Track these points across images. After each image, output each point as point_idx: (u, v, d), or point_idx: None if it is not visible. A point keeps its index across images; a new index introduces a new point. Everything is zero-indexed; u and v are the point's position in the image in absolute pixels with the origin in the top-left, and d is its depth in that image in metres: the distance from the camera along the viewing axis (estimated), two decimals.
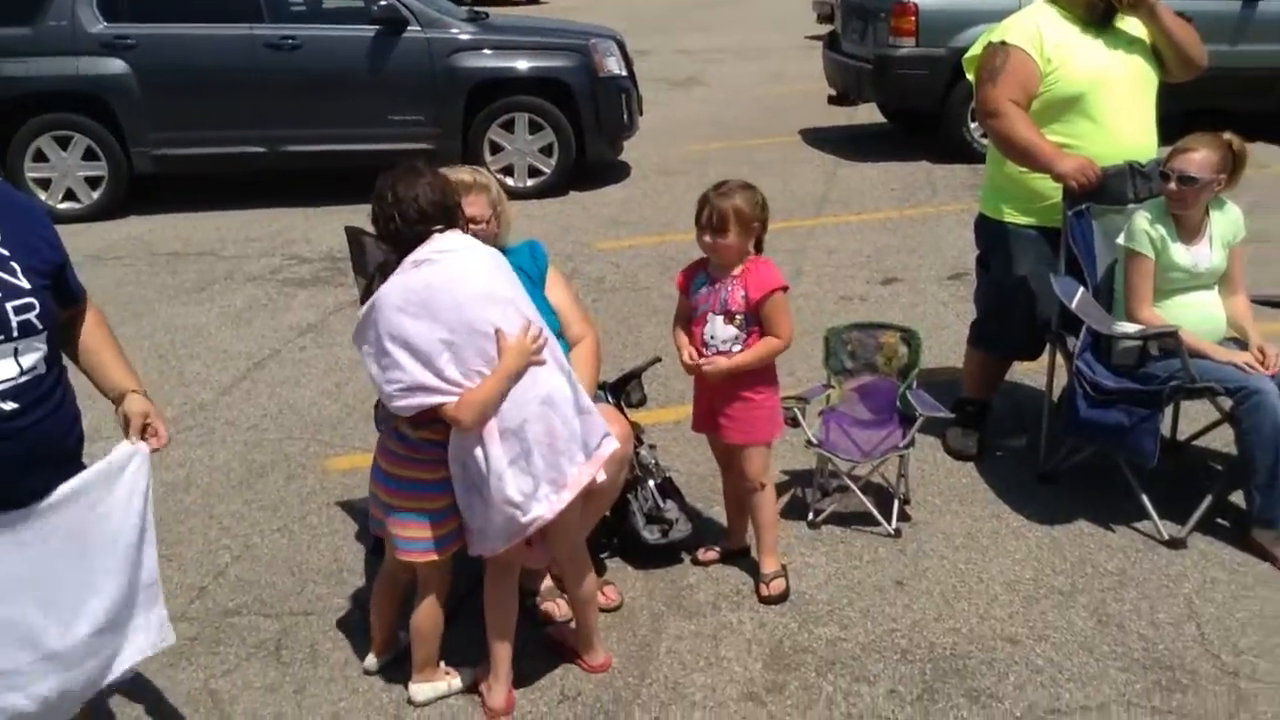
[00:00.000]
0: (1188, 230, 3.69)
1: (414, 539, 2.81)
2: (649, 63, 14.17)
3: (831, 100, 10.55)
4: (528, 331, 2.68)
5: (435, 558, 2.82)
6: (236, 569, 3.66)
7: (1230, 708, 2.88)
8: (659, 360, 3.97)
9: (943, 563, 3.58)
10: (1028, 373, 4.66)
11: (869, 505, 3.78)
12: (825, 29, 12.09)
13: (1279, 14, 9.10)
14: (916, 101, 9.32)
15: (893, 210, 7.86)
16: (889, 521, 3.76)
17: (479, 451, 2.65)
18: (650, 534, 3.55)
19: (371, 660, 3.11)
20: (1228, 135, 3.67)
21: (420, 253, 2.70)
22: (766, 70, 14.77)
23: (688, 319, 3.38)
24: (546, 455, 2.68)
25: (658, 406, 4.63)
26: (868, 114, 10.67)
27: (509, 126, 8.36)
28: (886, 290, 6.19)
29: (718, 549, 3.63)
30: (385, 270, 2.76)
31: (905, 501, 3.88)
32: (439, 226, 2.73)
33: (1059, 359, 4.03)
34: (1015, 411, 4.54)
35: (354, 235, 3.60)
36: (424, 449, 2.77)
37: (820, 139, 10.33)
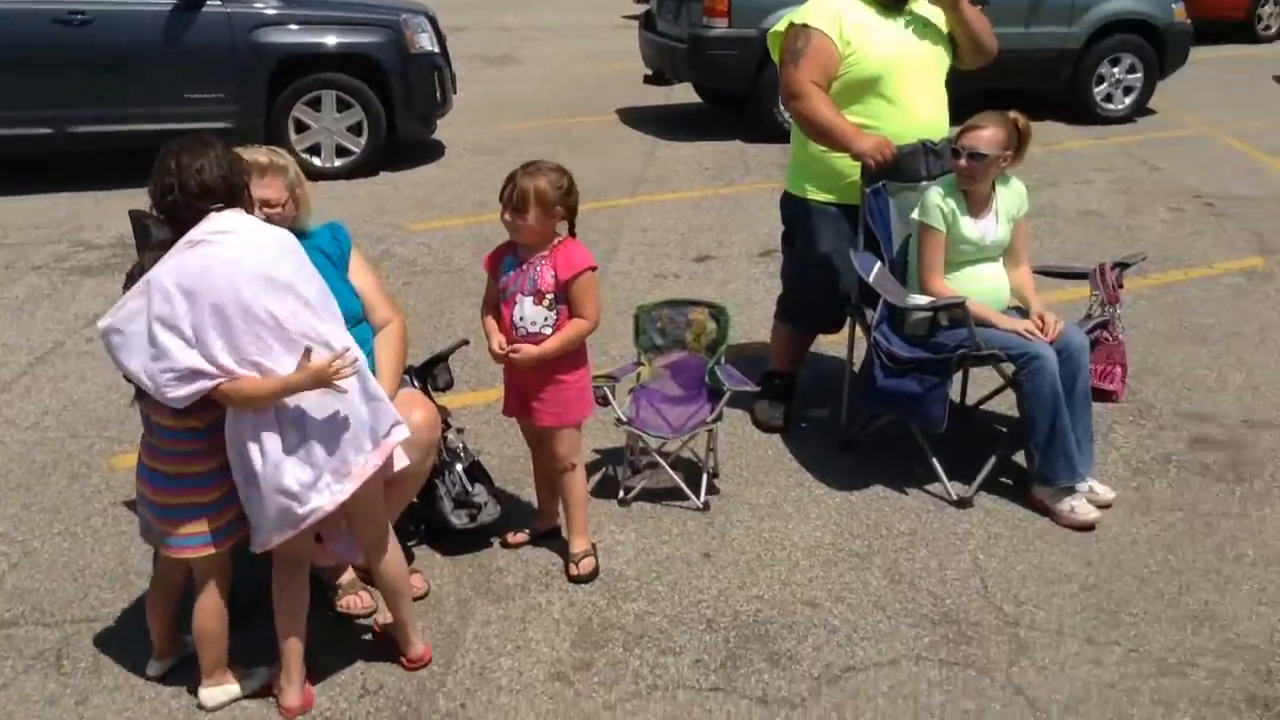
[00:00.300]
0: (976, 204, 3.85)
1: (188, 534, 2.66)
2: (464, 39, 13.95)
3: (647, 80, 10.61)
4: (334, 362, 2.53)
5: (213, 551, 2.69)
6: (14, 577, 3.42)
7: (1011, 656, 3.03)
8: (466, 343, 3.90)
9: (748, 533, 3.65)
10: (832, 345, 4.79)
11: (678, 480, 3.81)
12: (642, 8, 12.14)
13: None
14: (729, 82, 9.44)
15: (707, 189, 7.97)
16: (698, 495, 3.80)
17: (253, 442, 2.54)
18: (458, 519, 3.49)
19: (154, 666, 2.95)
20: (1013, 114, 3.83)
21: (196, 233, 2.56)
22: (584, 49, 14.74)
23: (496, 304, 3.32)
24: (329, 445, 2.59)
25: (469, 390, 4.56)
26: (684, 93, 10.77)
27: (315, 104, 8.07)
28: (700, 267, 6.27)
29: (527, 531, 3.60)
30: (154, 250, 2.60)
31: (714, 475, 3.94)
32: (219, 205, 2.60)
33: (859, 331, 4.15)
34: (820, 383, 4.66)
35: (137, 218, 3.40)
36: (187, 439, 2.63)
37: (637, 118, 10.38)
